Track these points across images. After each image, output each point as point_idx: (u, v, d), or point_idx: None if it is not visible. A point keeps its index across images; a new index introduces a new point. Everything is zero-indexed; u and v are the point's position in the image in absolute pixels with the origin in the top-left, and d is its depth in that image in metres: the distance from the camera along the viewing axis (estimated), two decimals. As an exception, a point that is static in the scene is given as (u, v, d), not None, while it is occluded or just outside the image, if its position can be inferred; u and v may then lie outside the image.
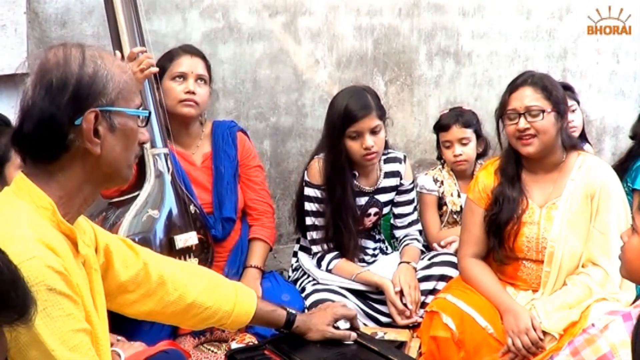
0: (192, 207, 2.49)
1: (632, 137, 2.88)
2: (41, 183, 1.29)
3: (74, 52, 1.31)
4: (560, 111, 2.29)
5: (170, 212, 2.42)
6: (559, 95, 2.29)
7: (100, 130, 1.30)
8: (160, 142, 2.47)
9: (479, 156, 2.93)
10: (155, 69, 2.44)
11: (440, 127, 2.92)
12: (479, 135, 2.90)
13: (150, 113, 1.45)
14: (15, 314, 1.01)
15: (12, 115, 1.85)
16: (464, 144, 2.87)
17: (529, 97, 2.26)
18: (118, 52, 2.42)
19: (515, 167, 2.37)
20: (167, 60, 2.59)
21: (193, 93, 2.55)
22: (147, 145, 2.42)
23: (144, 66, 2.36)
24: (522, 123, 2.25)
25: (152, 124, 2.42)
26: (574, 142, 2.41)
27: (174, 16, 2.92)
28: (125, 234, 2.26)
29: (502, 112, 2.32)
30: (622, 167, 2.77)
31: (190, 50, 2.64)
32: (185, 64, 2.58)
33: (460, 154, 2.86)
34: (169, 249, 2.36)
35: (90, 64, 1.31)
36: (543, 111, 2.24)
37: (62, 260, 1.23)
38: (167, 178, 2.45)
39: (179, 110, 2.56)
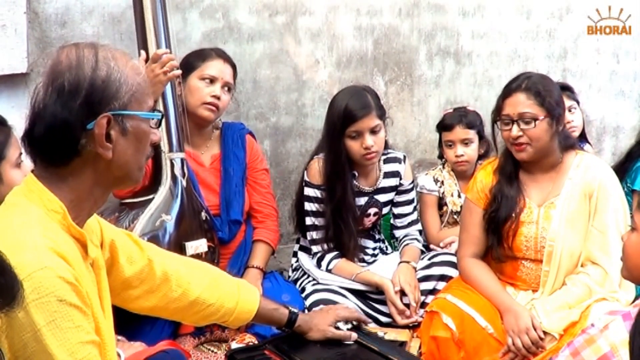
0: (203, 214, 2.48)
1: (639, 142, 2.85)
2: (52, 186, 1.28)
3: (86, 54, 1.29)
4: (555, 116, 2.26)
5: (182, 217, 2.40)
6: (552, 101, 2.26)
7: (112, 134, 1.29)
8: (178, 146, 2.45)
9: (480, 157, 2.93)
10: (179, 72, 2.41)
11: (444, 126, 2.92)
12: (481, 136, 2.90)
13: (162, 115, 1.43)
14: (4, 299, 1.00)
15: (13, 115, 1.87)
16: (466, 145, 2.87)
17: (521, 103, 2.24)
18: (143, 52, 2.40)
19: (513, 166, 2.37)
20: (198, 59, 2.58)
21: (218, 98, 2.55)
22: (165, 149, 2.40)
23: (167, 68, 2.33)
24: (515, 130, 2.24)
25: (170, 126, 2.41)
26: (572, 143, 2.40)
27: (174, 16, 2.91)
28: (138, 236, 2.25)
29: (497, 117, 2.32)
30: (622, 168, 2.77)
31: (223, 55, 2.64)
32: (217, 68, 2.57)
33: (462, 155, 2.86)
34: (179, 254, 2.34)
35: (103, 66, 1.29)
36: (535, 119, 2.23)
37: (73, 268, 1.22)
38: (182, 183, 2.43)
39: (200, 112, 2.55)
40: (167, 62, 2.34)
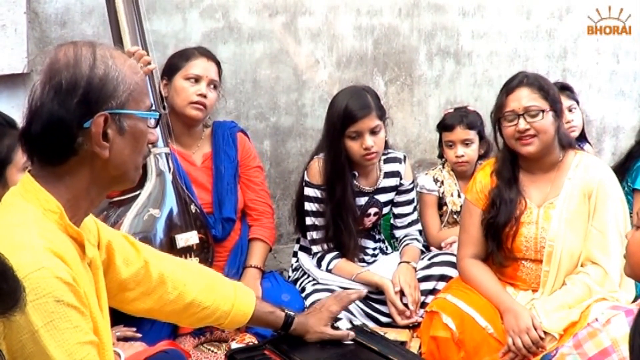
0: (192, 207, 2.50)
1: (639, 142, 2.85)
2: (49, 185, 1.28)
3: (84, 52, 1.28)
4: (557, 110, 2.30)
5: (171, 211, 2.43)
6: (555, 95, 2.30)
7: (109, 133, 1.28)
8: (162, 142, 2.47)
9: (481, 157, 2.93)
10: (153, 66, 2.44)
11: (444, 126, 2.92)
12: (482, 137, 2.90)
13: (160, 115, 1.42)
14: (6, 304, 1.00)
15: (13, 116, 1.87)
16: (467, 145, 2.87)
17: (526, 97, 2.26)
18: None
19: (511, 168, 2.37)
20: (182, 59, 2.60)
21: (204, 97, 2.55)
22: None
23: (141, 64, 2.34)
24: (522, 124, 2.25)
25: None
26: (570, 141, 2.42)
27: (174, 16, 2.92)
28: (127, 233, 2.25)
29: (500, 115, 2.32)
30: (622, 168, 2.77)
31: (206, 53, 2.64)
32: (201, 66, 2.58)
33: (462, 155, 2.86)
34: (169, 248, 2.36)
35: (101, 65, 1.27)
36: (542, 111, 2.25)
37: (70, 269, 1.22)
38: (168, 177, 2.45)
39: (188, 111, 2.56)
40: (140, 57, 2.36)
